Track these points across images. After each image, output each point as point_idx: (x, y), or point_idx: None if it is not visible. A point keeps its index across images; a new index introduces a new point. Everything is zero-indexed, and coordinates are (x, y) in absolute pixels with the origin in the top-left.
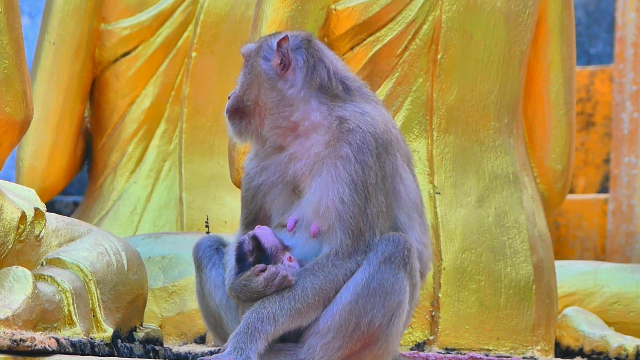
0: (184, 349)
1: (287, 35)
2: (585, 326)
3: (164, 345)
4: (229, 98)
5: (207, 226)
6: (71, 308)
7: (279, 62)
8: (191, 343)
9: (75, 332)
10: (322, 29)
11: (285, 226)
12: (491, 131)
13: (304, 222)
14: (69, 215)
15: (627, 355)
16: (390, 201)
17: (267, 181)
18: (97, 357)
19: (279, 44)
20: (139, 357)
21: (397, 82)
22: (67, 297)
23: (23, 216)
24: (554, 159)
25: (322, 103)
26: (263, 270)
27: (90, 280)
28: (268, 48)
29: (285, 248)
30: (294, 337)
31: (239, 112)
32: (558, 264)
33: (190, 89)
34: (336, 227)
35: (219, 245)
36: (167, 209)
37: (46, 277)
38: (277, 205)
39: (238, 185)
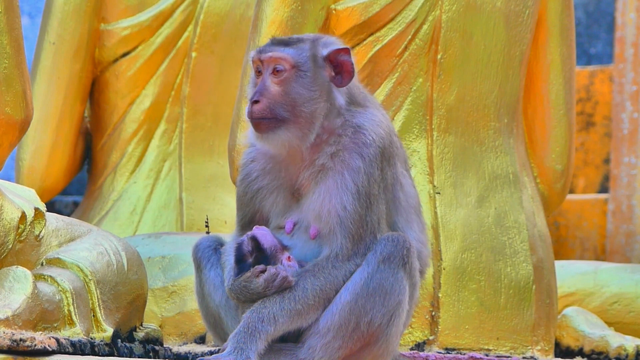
0: (184, 349)
1: (348, 48)
2: (585, 326)
3: (164, 345)
4: (256, 102)
5: (207, 226)
6: (71, 308)
7: (333, 73)
8: (191, 343)
9: (75, 332)
10: (322, 29)
11: (283, 228)
12: (491, 131)
13: (303, 225)
14: (69, 215)
15: (627, 355)
16: (390, 209)
17: (269, 186)
18: (97, 357)
19: (335, 54)
20: (139, 357)
21: (397, 82)
22: (67, 297)
23: (23, 216)
24: (554, 159)
25: (347, 110)
26: (263, 272)
27: (90, 280)
28: (320, 56)
29: (284, 248)
30: (293, 337)
31: (281, 121)
32: (558, 264)
33: (190, 89)
34: (337, 231)
35: (218, 246)
36: (167, 209)
37: (46, 277)
38: (276, 208)
39: None
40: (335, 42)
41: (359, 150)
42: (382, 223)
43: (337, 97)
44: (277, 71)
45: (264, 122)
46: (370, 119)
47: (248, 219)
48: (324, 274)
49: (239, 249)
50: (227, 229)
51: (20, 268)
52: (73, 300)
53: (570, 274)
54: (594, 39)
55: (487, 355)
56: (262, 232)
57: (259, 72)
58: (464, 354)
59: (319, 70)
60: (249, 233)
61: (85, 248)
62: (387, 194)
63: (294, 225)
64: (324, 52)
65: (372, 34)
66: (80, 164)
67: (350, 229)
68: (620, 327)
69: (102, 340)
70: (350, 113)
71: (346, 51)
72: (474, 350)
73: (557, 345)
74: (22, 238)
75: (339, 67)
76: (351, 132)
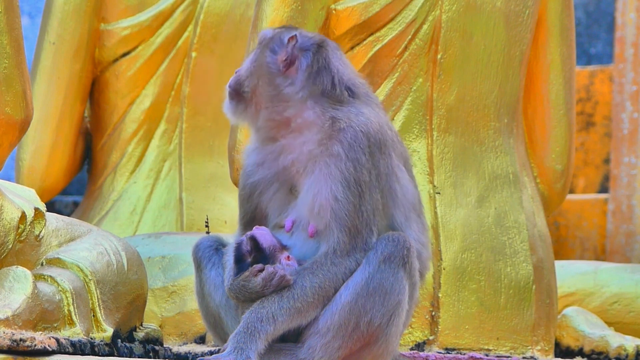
0: (184, 349)
1: (296, 35)
2: (585, 326)
3: (164, 345)
4: (236, 72)
5: (207, 226)
6: (71, 308)
7: (284, 58)
8: (191, 343)
9: (75, 332)
10: (322, 29)
11: (283, 227)
12: (491, 131)
13: (302, 223)
14: (69, 215)
15: (627, 355)
16: (386, 199)
17: (264, 179)
18: (97, 357)
19: (288, 41)
20: (139, 357)
21: (397, 82)
22: (67, 297)
23: (23, 216)
24: (554, 159)
25: (318, 104)
26: (261, 271)
27: (90, 280)
28: (279, 41)
29: (284, 247)
30: (293, 337)
31: (238, 95)
32: (558, 264)
33: (190, 89)
34: (332, 226)
35: (218, 245)
36: (167, 209)
37: (46, 277)
38: (274, 205)
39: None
40: (299, 33)
41: (336, 136)
42: (378, 214)
43: (285, 84)
44: None
45: (229, 94)
46: (347, 111)
47: (249, 217)
48: (322, 271)
49: (238, 249)
50: (227, 229)
51: (20, 268)
52: (73, 300)
53: (570, 274)
54: (594, 39)
55: (487, 355)
56: (261, 232)
57: None
58: (464, 354)
59: (267, 52)
60: (248, 233)
61: (85, 248)
62: (380, 182)
63: (293, 223)
64: (285, 38)
65: (372, 34)
66: (80, 164)
67: (345, 221)
68: (620, 327)
69: (102, 340)
70: (323, 108)
71: (293, 38)
72: (474, 350)
73: (557, 345)
74: (22, 238)
75: (290, 55)
76: (328, 123)
